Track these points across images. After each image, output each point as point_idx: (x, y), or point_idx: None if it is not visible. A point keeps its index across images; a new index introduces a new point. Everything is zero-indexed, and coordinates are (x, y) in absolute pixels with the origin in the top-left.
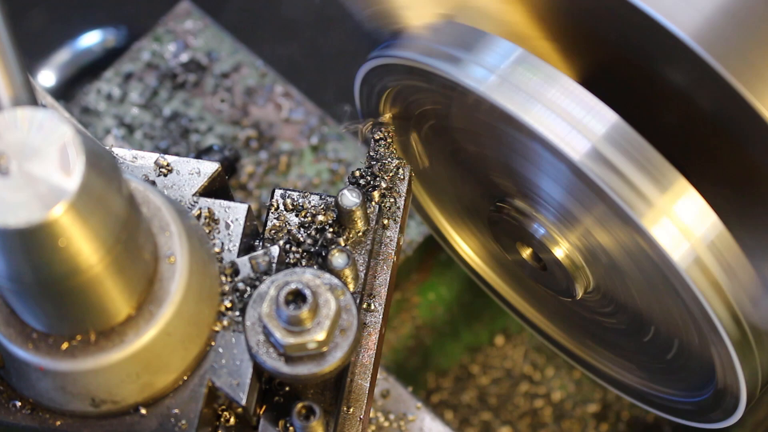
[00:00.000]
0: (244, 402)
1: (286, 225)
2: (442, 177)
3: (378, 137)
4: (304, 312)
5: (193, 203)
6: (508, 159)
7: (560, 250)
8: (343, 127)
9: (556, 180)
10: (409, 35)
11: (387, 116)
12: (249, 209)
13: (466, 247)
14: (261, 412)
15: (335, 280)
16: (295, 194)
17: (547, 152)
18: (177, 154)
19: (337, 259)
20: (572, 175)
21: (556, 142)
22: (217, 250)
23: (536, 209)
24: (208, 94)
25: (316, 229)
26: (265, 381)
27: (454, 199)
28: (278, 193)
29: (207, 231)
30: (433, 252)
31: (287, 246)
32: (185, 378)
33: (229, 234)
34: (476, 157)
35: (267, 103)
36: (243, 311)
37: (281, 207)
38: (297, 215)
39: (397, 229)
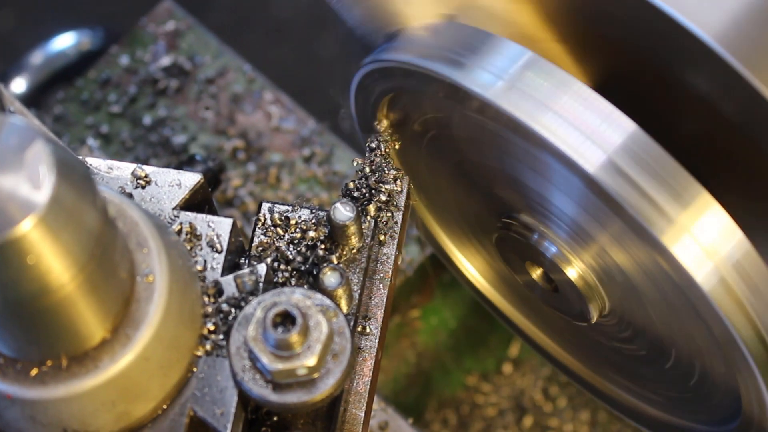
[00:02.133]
0: None
1: (274, 241)
2: (445, 190)
3: (374, 146)
4: (294, 335)
5: (173, 217)
6: (517, 171)
7: (573, 270)
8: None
9: (568, 194)
10: (408, 37)
11: (384, 124)
12: (234, 224)
13: (471, 266)
14: None
15: (327, 301)
16: (284, 208)
17: (558, 164)
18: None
19: (330, 278)
20: (586, 189)
21: (569, 152)
22: (199, 268)
23: (547, 226)
24: (192, 101)
25: (307, 245)
26: (251, 410)
27: (458, 215)
28: (266, 206)
29: (188, 248)
30: (435, 272)
31: (275, 264)
32: (165, 407)
33: (212, 251)
34: (482, 170)
35: (255, 110)
36: (227, 335)
37: (269, 222)
38: (286, 231)
39: (395, 246)
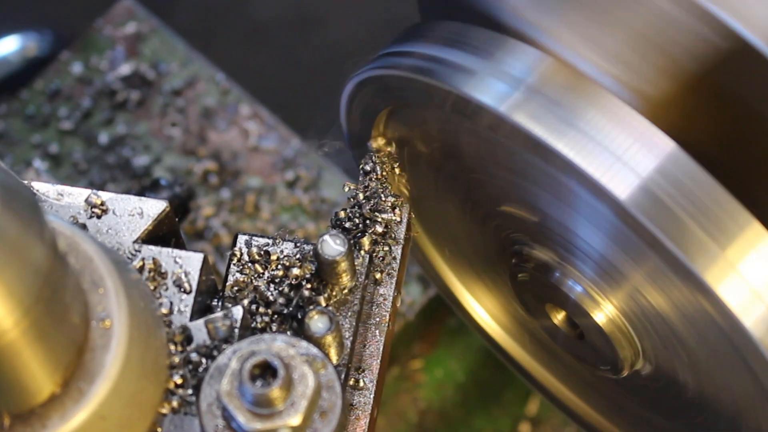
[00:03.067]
0: None
1: (252, 280)
2: (452, 220)
3: (369, 169)
4: (275, 390)
5: (134, 252)
6: (535, 198)
7: (601, 314)
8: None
9: (596, 225)
10: (408, 41)
11: (381, 142)
12: (205, 260)
13: (482, 309)
14: None
15: (314, 350)
16: (263, 241)
17: (584, 190)
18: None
19: (317, 323)
20: (617, 219)
21: (597, 176)
22: (164, 311)
23: (571, 262)
24: (156, 117)
25: (290, 285)
26: None
27: (468, 249)
28: (242, 239)
29: (152, 287)
30: (440, 316)
31: (253, 306)
32: None
33: (180, 291)
34: (494, 196)
35: (230, 127)
36: (197, 389)
37: (246, 257)
38: (266, 268)
39: (393, 286)
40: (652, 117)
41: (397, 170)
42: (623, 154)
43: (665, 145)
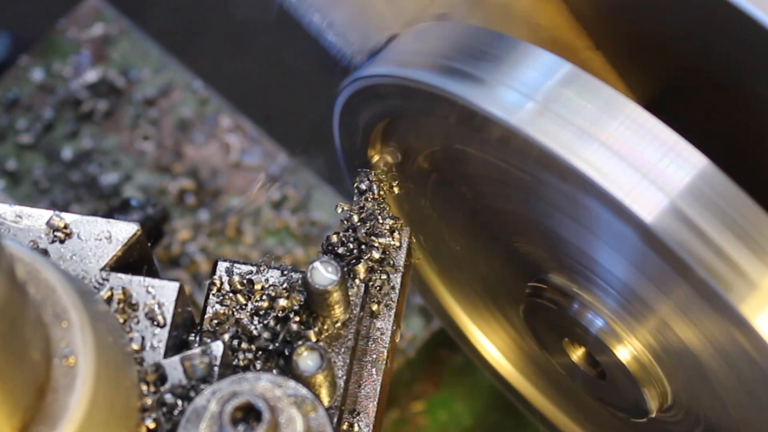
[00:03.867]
0: None
1: (233, 312)
2: (458, 246)
3: (365, 188)
4: None
5: (101, 281)
6: (551, 221)
7: (625, 350)
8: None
9: (619, 251)
10: (407, 45)
11: (377, 158)
12: (181, 290)
13: (491, 345)
14: None
15: (303, 391)
16: (246, 269)
17: (607, 211)
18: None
19: (306, 360)
20: (642, 244)
21: (620, 196)
22: (135, 347)
23: (591, 292)
24: (126, 129)
25: (277, 317)
26: None
27: (475, 278)
28: (223, 266)
29: (121, 320)
30: (444, 352)
31: (235, 342)
32: None
33: (152, 325)
34: (505, 218)
35: (209, 141)
36: None
37: (227, 286)
38: (249, 298)
39: (392, 319)
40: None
41: (396, 189)
42: (650, 170)
43: (697, 160)
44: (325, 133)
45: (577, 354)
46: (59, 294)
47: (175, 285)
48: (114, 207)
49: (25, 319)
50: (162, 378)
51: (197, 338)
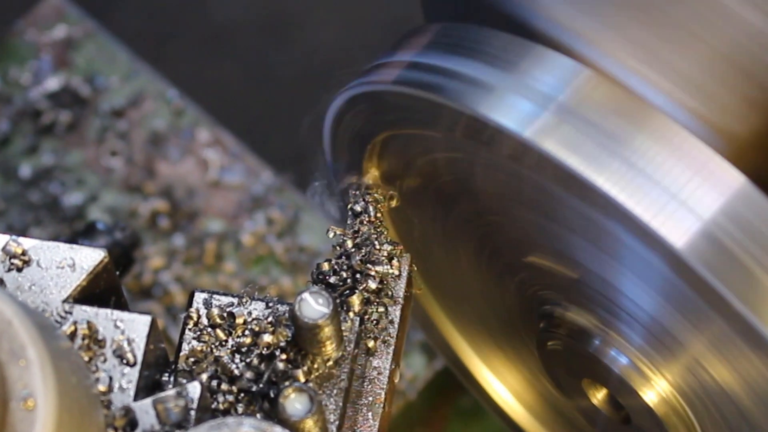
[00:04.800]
0: None
1: (212, 349)
2: (465, 274)
3: (359, 210)
4: None
5: (64, 314)
6: (569, 246)
7: (652, 392)
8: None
9: (646, 280)
10: (407, 49)
11: (375, 176)
12: (153, 324)
13: (501, 386)
14: None
15: None
16: (227, 300)
17: (632, 235)
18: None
19: (294, 403)
20: (672, 273)
21: (647, 218)
22: (102, 388)
23: (614, 327)
24: (92, 144)
25: (261, 355)
26: None
27: (484, 310)
28: (200, 297)
29: (87, 358)
30: (449, 394)
31: (214, 382)
32: None
33: (121, 363)
34: (518, 243)
35: (185, 157)
36: None
37: (205, 320)
38: (230, 334)
39: (390, 357)
40: (737, 159)
41: (394, 202)
42: (680, 190)
43: (733, 179)
44: (314, 148)
45: (598, 396)
46: (16, 329)
47: (147, 319)
48: (78, 231)
49: None
50: (132, 423)
51: (171, 378)
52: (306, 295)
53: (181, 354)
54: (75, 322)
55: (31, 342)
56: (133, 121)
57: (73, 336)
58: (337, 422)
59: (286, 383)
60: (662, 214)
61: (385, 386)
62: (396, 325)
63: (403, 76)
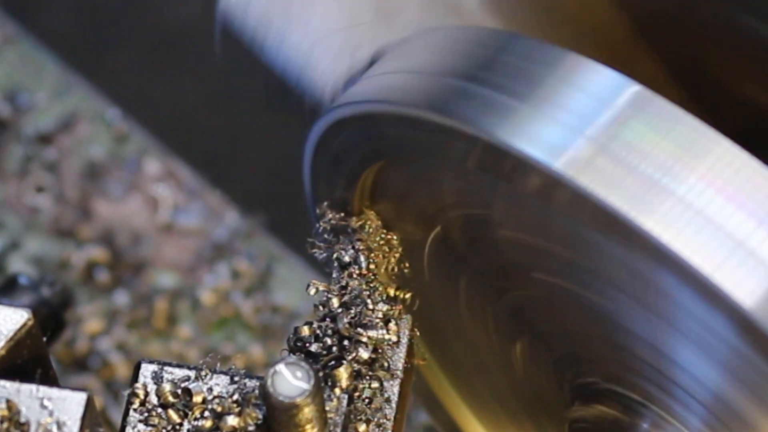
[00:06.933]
0: None
1: None
2: (479, 341)
3: (348, 260)
4: None
5: None
6: (610, 305)
7: None
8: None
9: (705, 347)
10: (404, 59)
11: (369, 218)
12: (89, 402)
13: None
14: None
15: None
16: (181, 374)
17: (688, 291)
18: None
19: None
20: (738, 338)
21: (707, 270)
22: None
23: (666, 406)
24: (13, 177)
25: None
26: None
27: (503, 386)
28: (148, 370)
29: None
30: None
31: None
32: None
33: None
34: (546, 302)
35: (129, 193)
36: None
37: (154, 398)
38: (185, 416)
39: None
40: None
41: (393, 261)
42: (749, 236)
43: None
44: (291, 183)
45: None
46: None
47: (82, 396)
48: None
49: None
50: None
51: None
52: (281, 367)
53: None
54: None
55: None
56: (64, 148)
57: None
58: None
59: None
60: (726, 265)
61: None
62: (393, 405)
63: (403, 93)
